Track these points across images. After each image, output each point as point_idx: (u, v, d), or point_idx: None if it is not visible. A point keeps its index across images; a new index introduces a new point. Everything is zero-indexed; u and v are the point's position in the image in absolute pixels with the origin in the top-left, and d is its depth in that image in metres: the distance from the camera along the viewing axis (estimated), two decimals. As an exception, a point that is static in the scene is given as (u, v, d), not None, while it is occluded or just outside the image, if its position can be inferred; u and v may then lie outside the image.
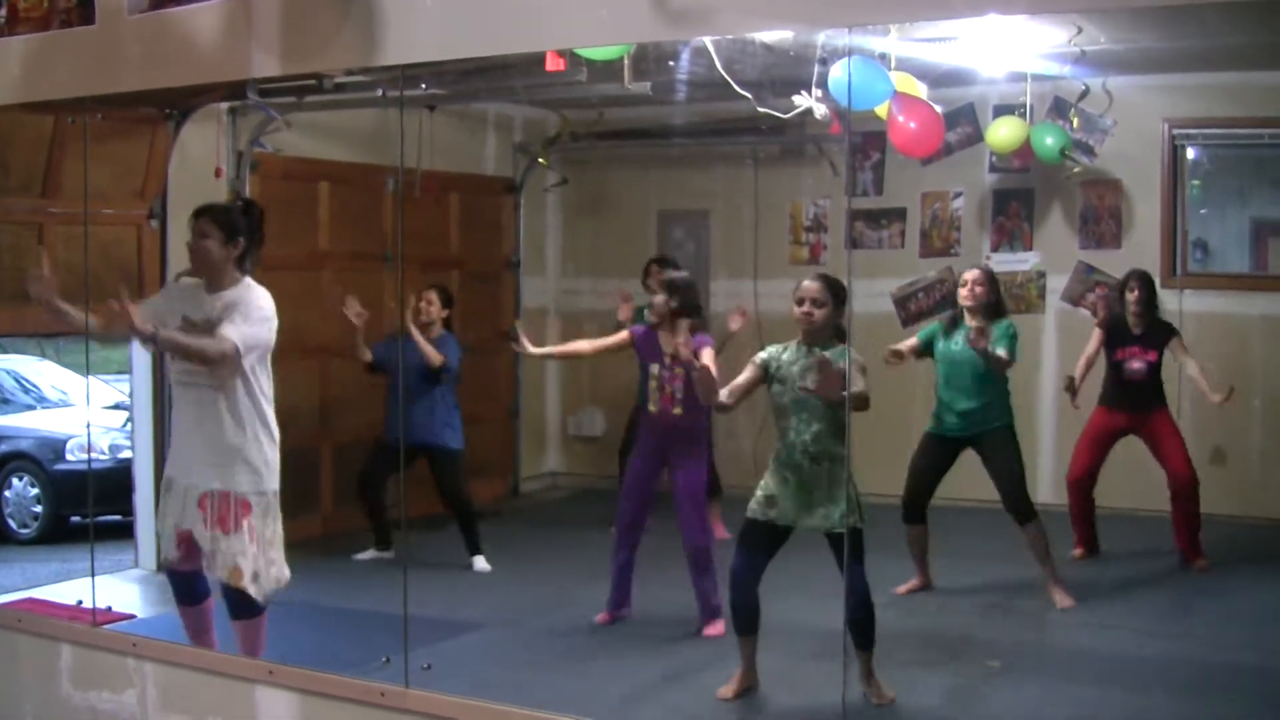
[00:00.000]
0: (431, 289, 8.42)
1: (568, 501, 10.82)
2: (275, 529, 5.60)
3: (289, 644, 5.88)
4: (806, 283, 5.68)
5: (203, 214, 5.60)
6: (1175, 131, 9.20)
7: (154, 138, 7.85)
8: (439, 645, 6.36)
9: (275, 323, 5.55)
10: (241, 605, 5.55)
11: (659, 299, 6.83)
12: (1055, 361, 9.46)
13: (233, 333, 5.34)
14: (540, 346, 7.38)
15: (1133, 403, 7.99)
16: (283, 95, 7.68)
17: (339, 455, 9.22)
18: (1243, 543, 8.44)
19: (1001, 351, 7.01)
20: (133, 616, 6.85)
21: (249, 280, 5.57)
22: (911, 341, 7.41)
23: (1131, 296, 7.93)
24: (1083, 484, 8.19)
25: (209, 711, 5.23)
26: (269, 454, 5.59)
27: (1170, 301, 9.04)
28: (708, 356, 6.44)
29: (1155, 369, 7.95)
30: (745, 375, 5.72)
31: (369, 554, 8.50)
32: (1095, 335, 8.14)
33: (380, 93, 7.49)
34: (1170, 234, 9.25)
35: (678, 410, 6.76)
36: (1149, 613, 7.07)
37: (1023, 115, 8.72)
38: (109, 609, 6.38)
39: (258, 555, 5.48)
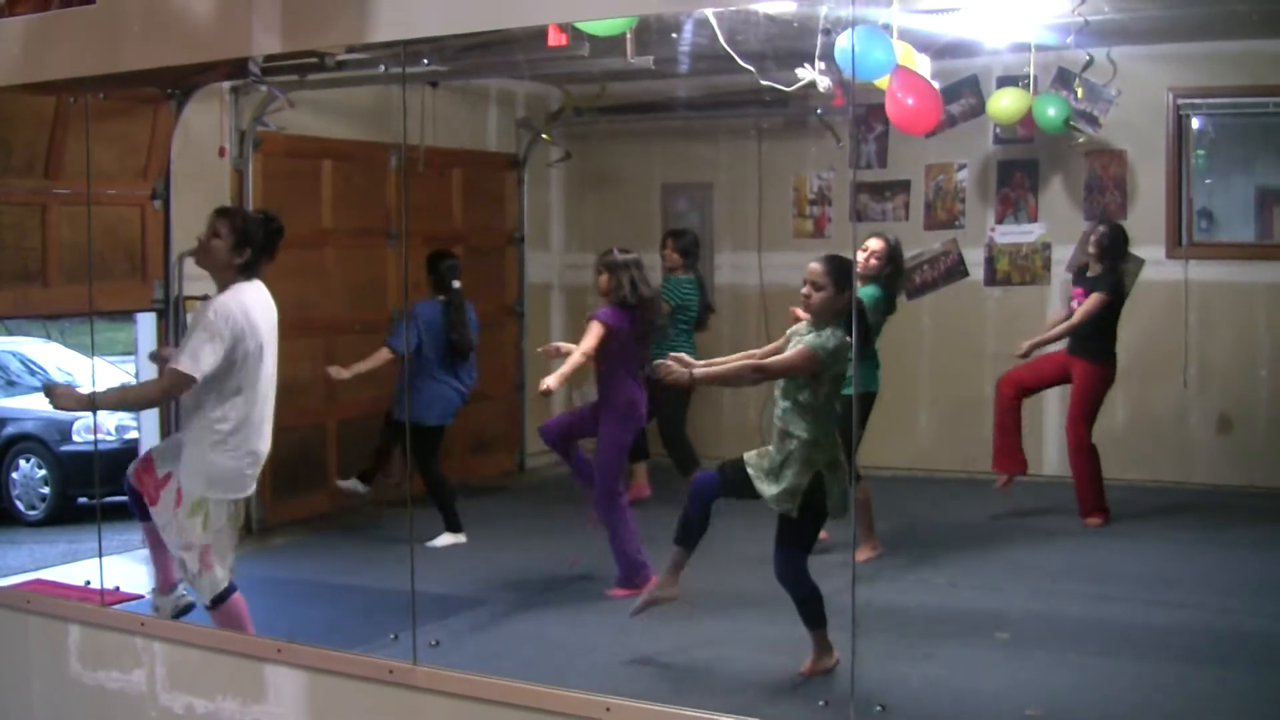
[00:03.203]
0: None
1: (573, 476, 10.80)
2: (200, 536, 5.55)
3: (297, 621, 5.89)
4: (812, 264, 5.65)
5: (222, 214, 5.69)
6: (1180, 101, 9.16)
7: (156, 117, 7.83)
8: (446, 621, 6.38)
9: (228, 332, 5.47)
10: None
11: (598, 279, 7.12)
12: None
13: (176, 361, 5.44)
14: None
15: (1072, 340, 8.23)
16: (285, 73, 7.66)
17: (344, 431, 9.22)
18: (1248, 511, 8.44)
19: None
20: (141, 596, 6.83)
21: (237, 285, 5.60)
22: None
23: (1092, 239, 8.27)
24: (1009, 386, 8.45)
25: (217, 690, 5.24)
26: (218, 461, 5.55)
27: (1176, 271, 9.06)
28: (587, 338, 6.93)
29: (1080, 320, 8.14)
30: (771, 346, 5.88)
31: (350, 482, 8.65)
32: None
33: (382, 69, 7.48)
34: (1175, 203, 9.22)
35: (597, 385, 7.11)
36: (1151, 581, 7.07)
37: (1026, 86, 8.69)
38: (117, 589, 6.37)
39: (184, 554, 5.56)
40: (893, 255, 7.37)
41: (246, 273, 5.62)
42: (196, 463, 5.54)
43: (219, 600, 5.58)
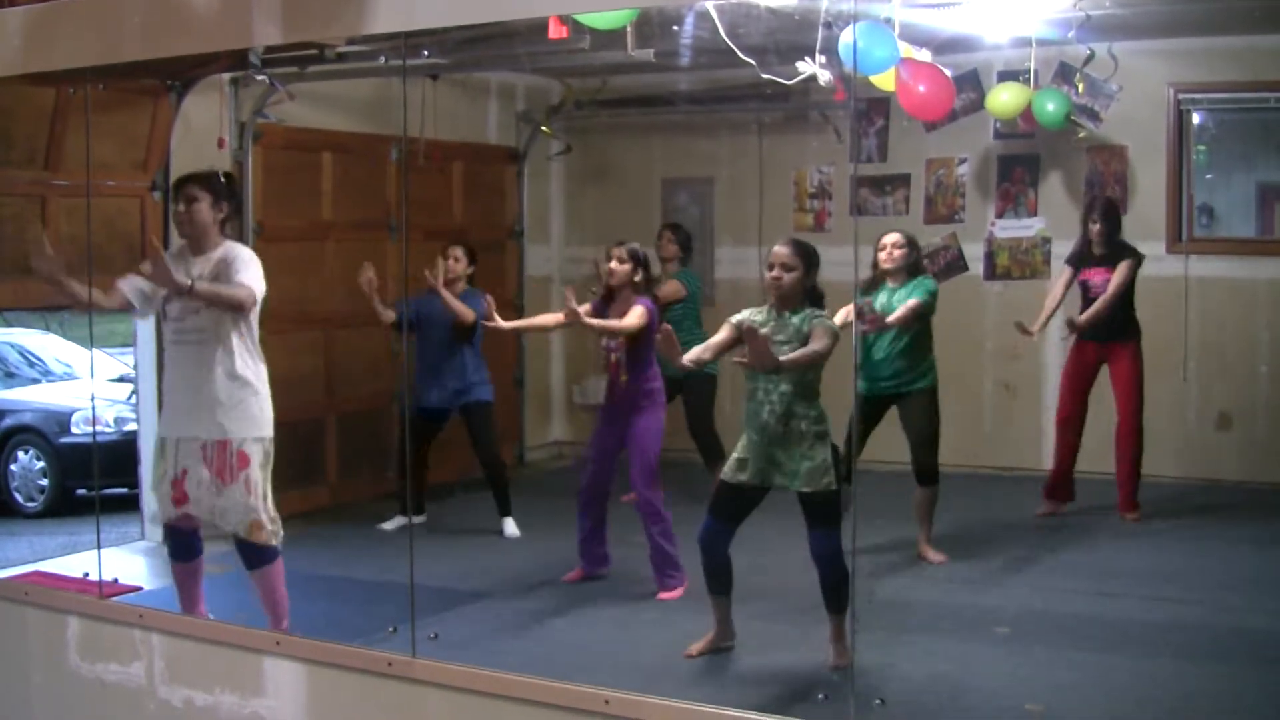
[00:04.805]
0: (457, 245, 8.38)
1: (573, 470, 10.81)
2: (268, 476, 5.80)
3: (296, 614, 5.89)
4: (777, 247, 5.72)
5: (190, 180, 5.80)
6: (1181, 96, 9.15)
7: (156, 109, 7.82)
8: (445, 615, 6.37)
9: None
10: (255, 554, 5.76)
11: (619, 267, 6.95)
12: (1059, 327, 9.42)
13: (249, 281, 5.57)
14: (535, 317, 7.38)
15: (1097, 331, 8.04)
16: (285, 65, 7.65)
17: (344, 425, 9.22)
18: (1249, 507, 8.44)
19: (913, 301, 7.07)
20: (139, 588, 6.85)
21: (232, 242, 5.80)
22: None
23: (1094, 229, 8.10)
24: (1067, 423, 8.31)
25: (216, 682, 5.24)
26: (265, 402, 5.78)
27: (1176, 267, 9.04)
28: (636, 315, 6.74)
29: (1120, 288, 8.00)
30: (719, 335, 5.77)
31: (395, 522, 8.46)
32: (1064, 271, 8.32)
33: (382, 61, 7.47)
34: (1176, 199, 9.21)
35: (624, 376, 6.90)
36: (1151, 577, 7.06)
37: (1027, 81, 8.68)
38: (115, 581, 6.38)
39: (262, 505, 5.71)
40: (912, 242, 7.37)
41: (224, 230, 5.78)
42: (264, 407, 5.76)
43: (276, 554, 5.78)
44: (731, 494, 5.73)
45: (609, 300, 7.04)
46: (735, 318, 5.75)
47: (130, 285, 5.79)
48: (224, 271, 5.63)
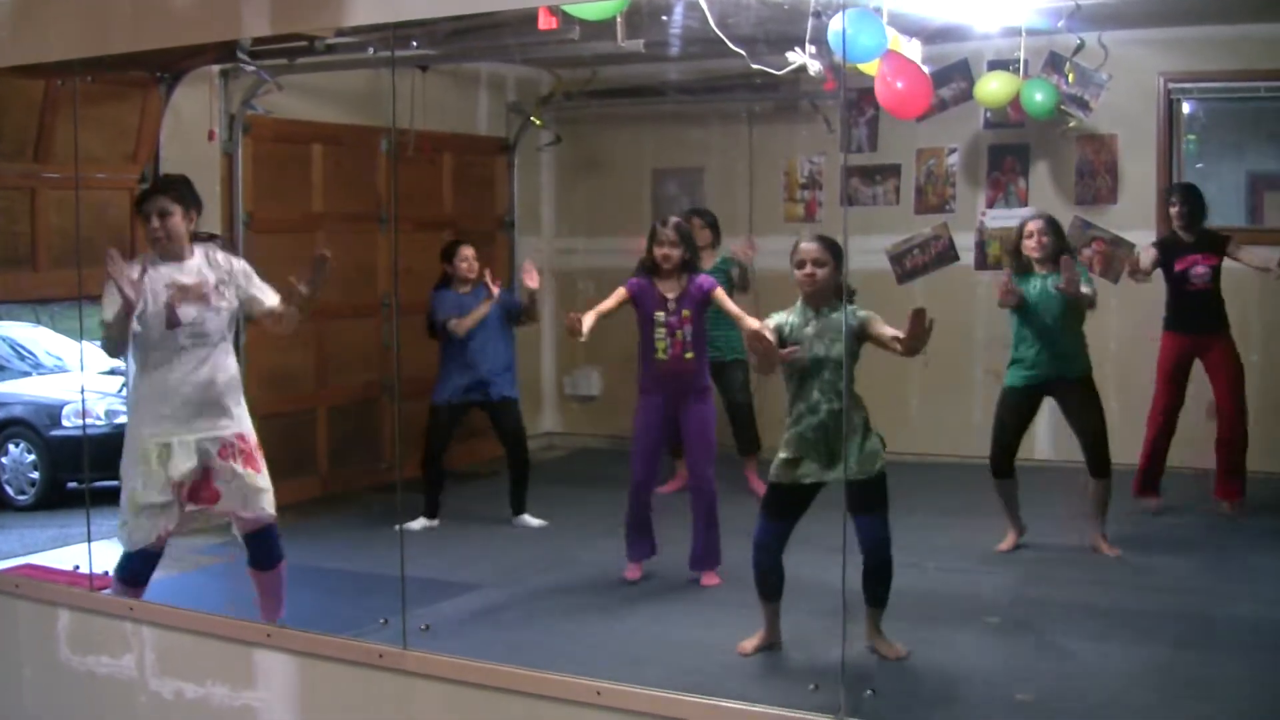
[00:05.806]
0: (463, 245, 8.33)
1: (564, 461, 10.83)
2: None
3: (287, 606, 5.89)
4: (805, 244, 5.62)
5: (158, 194, 5.69)
6: (1171, 85, 9.15)
7: (145, 101, 7.81)
8: (437, 606, 6.37)
9: None
10: (271, 554, 5.86)
11: (674, 252, 6.84)
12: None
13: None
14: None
15: (1194, 322, 7.88)
16: (273, 57, 7.64)
17: (334, 417, 9.21)
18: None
19: (1085, 290, 6.95)
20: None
21: (212, 251, 5.78)
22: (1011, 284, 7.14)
23: (1174, 211, 7.88)
24: (1164, 415, 8.11)
25: (207, 675, 5.23)
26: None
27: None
28: (726, 297, 6.87)
29: (1217, 276, 7.83)
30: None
31: (420, 523, 8.32)
32: (1149, 251, 8.01)
33: (371, 53, 7.45)
34: (1166, 188, 9.20)
35: (689, 355, 6.84)
36: (1150, 567, 7.07)
37: (1016, 70, 8.67)
38: (106, 574, 6.36)
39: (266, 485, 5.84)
40: (1055, 226, 7.23)
41: (193, 237, 5.73)
42: (244, 404, 5.82)
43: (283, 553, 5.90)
44: (786, 495, 5.64)
45: (653, 279, 6.91)
46: (772, 321, 5.64)
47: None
48: (245, 283, 5.82)
